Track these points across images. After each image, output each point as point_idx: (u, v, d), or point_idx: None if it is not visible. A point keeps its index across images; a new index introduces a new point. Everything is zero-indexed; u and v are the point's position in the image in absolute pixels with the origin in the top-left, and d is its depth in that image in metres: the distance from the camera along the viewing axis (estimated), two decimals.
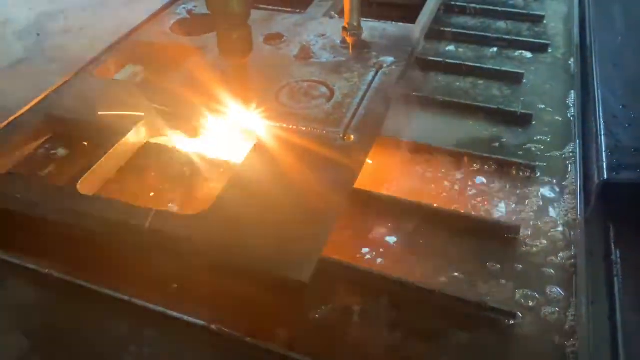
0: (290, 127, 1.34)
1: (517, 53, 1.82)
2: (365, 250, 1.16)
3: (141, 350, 0.99)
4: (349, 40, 1.62)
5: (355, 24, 1.60)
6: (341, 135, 1.31)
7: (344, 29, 1.61)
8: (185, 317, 1.01)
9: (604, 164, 1.23)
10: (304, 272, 1.01)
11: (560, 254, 1.15)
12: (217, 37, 1.30)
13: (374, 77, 1.51)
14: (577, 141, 1.42)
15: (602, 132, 1.32)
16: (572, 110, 1.55)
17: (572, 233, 1.19)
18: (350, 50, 1.63)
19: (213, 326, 0.99)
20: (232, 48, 1.31)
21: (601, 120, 1.36)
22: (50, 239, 1.17)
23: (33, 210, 1.17)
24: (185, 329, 1.01)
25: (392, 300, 1.06)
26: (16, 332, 1.03)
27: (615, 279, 1.06)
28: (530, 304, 1.05)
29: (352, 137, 1.31)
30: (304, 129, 1.33)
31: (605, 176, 1.21)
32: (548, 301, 1.05)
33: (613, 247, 1.13)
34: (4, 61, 1.80)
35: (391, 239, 1.18)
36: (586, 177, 1.32)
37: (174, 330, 1.01)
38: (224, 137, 1.35)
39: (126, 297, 1.04)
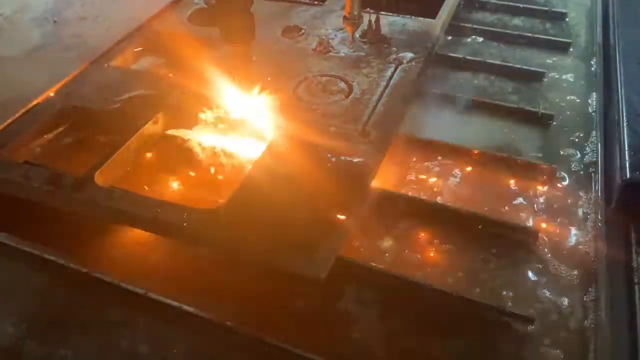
0: (308, 122, 1.33)
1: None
2: (382, 248, 1.16)
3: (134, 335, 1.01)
4: (349, 29, 1.60)
5: (355, 13, 1.57)
6: (359, 132, 1.29)
7: (345, 18, 1.58)
8: (185, 307, 1.01)
9: (627, 163, 1.21)
10: (321, 269, 1.01)
11: (580, 255, 1.14)
12: (219, 25, 1.29)
13: (393, 73, 1.49)
14: (599, 141, 1.40)
15: (625, 132, 1.30)
16: (594, 107, 1.53)
17: (592, 234, 1.18)
18: (351, 38, 1.61)
19: (229, 323, 0.99)
20: (234, 35, 1.29)
21: (624, 119, 1.33)
22: (64, 228, 1.18)
23: (50, 200, 1.18)
24: (180, 318, 1.02)
25: (409, 301, 1.05)
26: (15, 316, 1.05)
27: (637, 287, 1.04)
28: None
29: (371, 134, 1.29)
30: (322, 124, 1.32)
31: (628, 175, 1.18)
32: (564, 309, 1.04)
33: (634, 253, 1.11)
34: (21, 48, 1.79)
35: (409, 239, 1.18)
36: (607, 176, 1.30)
37: (174, 319, 1.02)
38: (241, 131, 1.34)
39: (136, 288, 1.05)
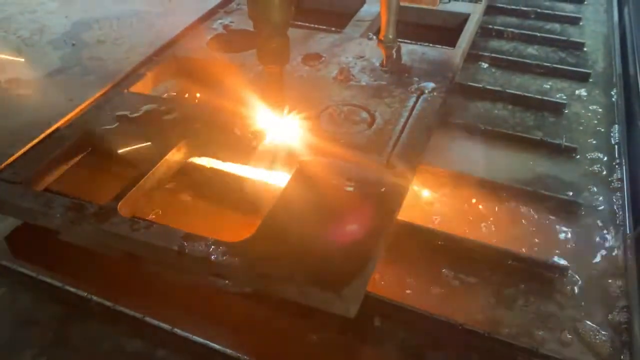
0: (332, 153, 1.31)
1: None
2: (406, 283, 1.14)
3: None
4: (384, 52, 1.61)
5: (390, 37, 1.59)
6: (385, 164, 1.28)
7: (380, 41, 1.60)
8: (210, 344, 1.00)
9: None
10: (352, 305, 0.99)
11: (611, 289, 1.13)
12: (257, 45, 1.29)
13: (415, 104, 1.49)
14: (624, 172, 1.39)
15: None
16: (617, 139, 1.52)
17: (621, 267, 1.17)
18: (385, 62, 1.62)
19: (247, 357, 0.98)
20: (269, 55, 1.30)
21: None
22: (85, 258, 1.17)
23: (73, 231, 1.16)
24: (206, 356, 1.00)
25: (437, 341, 1.03)
26: (32, 348, 1.03)
27: None
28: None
29: (396, 165, 1.28)
30: (346, 155, 1.31)
31: None
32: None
33: None
34: (40, 70, 1.80)
35: (433, 273, 1.16)
36: (634, 206, 1.30)
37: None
38: (266, 160, 1.33)
39: (162, 324, 1.04)
